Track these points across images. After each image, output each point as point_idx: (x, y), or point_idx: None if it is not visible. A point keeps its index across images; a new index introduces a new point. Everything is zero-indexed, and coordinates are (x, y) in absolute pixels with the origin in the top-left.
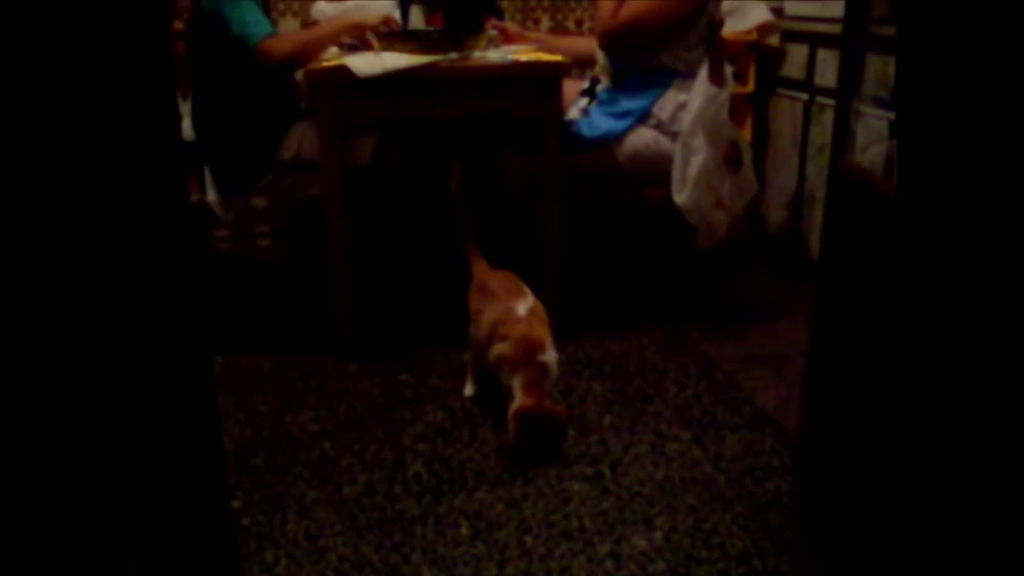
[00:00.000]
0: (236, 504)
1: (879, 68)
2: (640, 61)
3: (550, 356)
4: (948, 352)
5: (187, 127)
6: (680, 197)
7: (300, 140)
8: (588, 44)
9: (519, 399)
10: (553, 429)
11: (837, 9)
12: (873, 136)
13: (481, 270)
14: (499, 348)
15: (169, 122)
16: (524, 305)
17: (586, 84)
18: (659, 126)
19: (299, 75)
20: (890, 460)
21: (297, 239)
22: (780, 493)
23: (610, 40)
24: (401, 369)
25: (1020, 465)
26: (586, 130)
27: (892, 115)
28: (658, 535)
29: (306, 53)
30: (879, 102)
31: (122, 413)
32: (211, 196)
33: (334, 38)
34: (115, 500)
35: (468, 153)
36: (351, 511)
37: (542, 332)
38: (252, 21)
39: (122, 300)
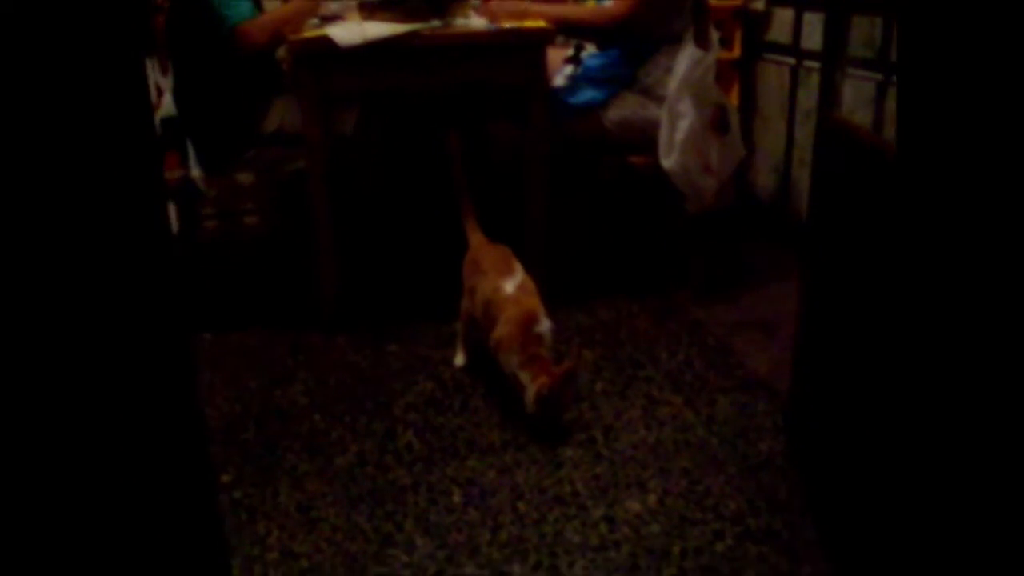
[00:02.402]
0: (227, 478)
1: (865, 30)
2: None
3: (544, 326)
4: (935, 309)
5: (168, 102)
6: (667, 162)
7: (283, 113)
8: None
9: (530, 381)
10: (571, 389)
11: None
12: (861, 99)
13: (478, 243)
14: (496, 333)
15: (136, 91)
16: (512, 282)
17: (571, 51)
18: (645, 92)
19: (280, 51)
20: (879, 418)
21: (282, 213)
22: (772, 454)
23: (630, 23)
24: (390, 340)
25: (1004, 422)
26: (572, 98)
27: (879, 77)
28: (652, 498)
29: (284, 32)
30: (866, 64)
31: (94, 392)
32: (195, 171)
33: (311, 9)
34: (93, 477)
35: (455, 122)
36: (342, 482)
37: (533, 304)
38: (233, 3)
39: (92, 276)
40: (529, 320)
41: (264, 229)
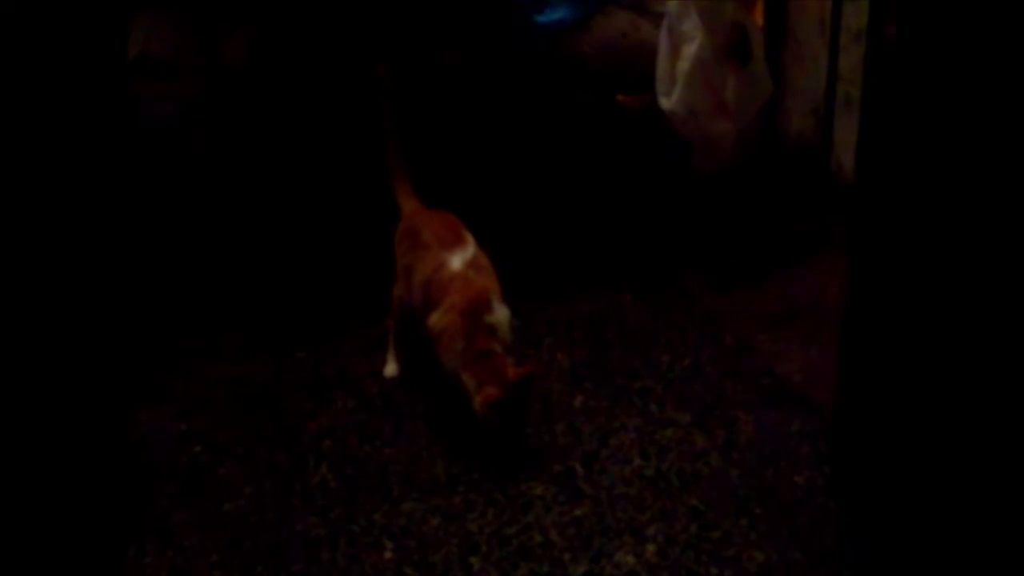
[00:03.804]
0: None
1: None
2: None
3: (499, 314)
4: None
5: None
6: (668, 102)
7: (147, 33)
8: None
9: (475, 388)
10: (526, 398)
11: None
12: None
13: (412, 210)
14: (434, 320)
15: None
16: (461, 256)
17: None
18: (637, 7)
19: None
20: (957, 443)
21: (149, 170)
22: (813, 489)
23: None
24: (298, 344)
25: None
26: (541, 14)
27: None
28: (650, 549)
29: None
30: None
31: None
32: None
33: None
34: None
35: (384, 50)
36: (232, 535)
37: (484, 284)
38: None
39: None
40: (478, 305)
41: (124, 192)
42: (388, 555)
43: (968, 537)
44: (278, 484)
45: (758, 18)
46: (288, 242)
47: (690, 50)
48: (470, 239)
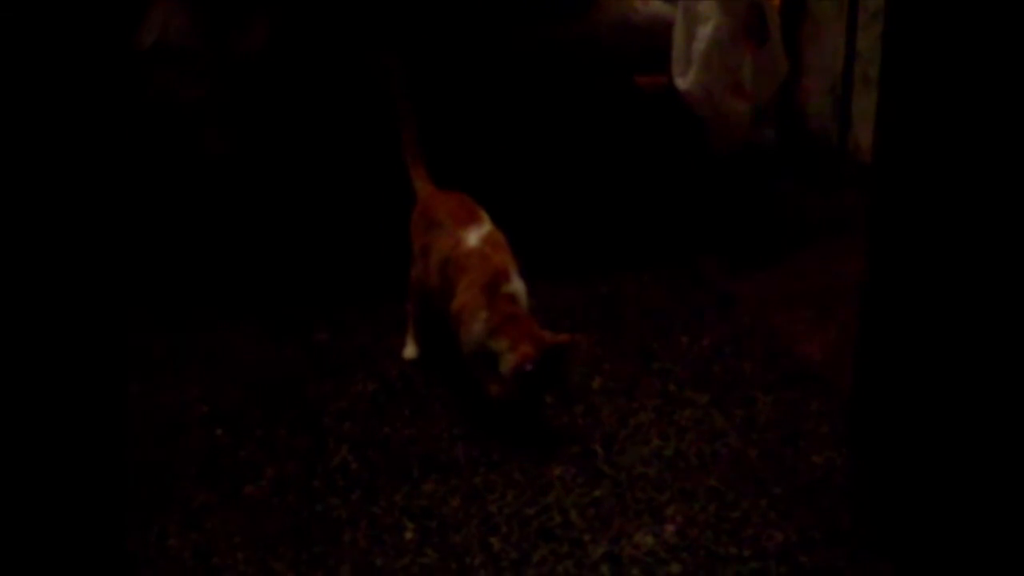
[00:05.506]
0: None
1: None
2: None
3: (516, 285)
4: None
5: None
6: (684, 81)
7: (166, 19)
8: None
9: (507, 349)
10: (561, 369)
11: None
12: None
13: (427, 193)
14: (455, 302)
15: None
16: (476, 233)
17: None
18: None
19: None
20: (977, 423)
21: (166, 156)
22: (831, 469)
23: None
24: (318, 327)
25: None
26: None
27: None
28: (670, 529)
29: None
30: None
31: None
32: None
33: None
34: None
35: (398, 36)
36: (255, 517)
37: (501, 259)
38: None
39: None
40: (497, 278)
41: (146, 178)
42: (409, 536)
43: (987, 518)
44: (299, 466)
45: None
46: (307, 227)
47: (706, 30)
48: (485, 217)
